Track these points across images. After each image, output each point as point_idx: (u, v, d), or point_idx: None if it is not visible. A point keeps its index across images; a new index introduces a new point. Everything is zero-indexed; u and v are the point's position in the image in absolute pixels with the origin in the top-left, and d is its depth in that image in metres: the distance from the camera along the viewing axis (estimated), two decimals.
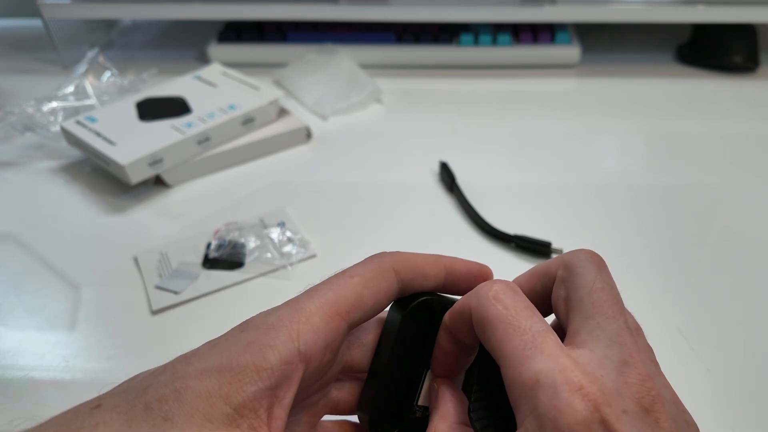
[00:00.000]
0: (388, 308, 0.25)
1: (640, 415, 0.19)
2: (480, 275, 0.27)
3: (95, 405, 0.20)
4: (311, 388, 0.24)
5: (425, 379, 0.26)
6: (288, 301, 0.23)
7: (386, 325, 0.26)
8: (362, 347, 0.26)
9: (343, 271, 0.24)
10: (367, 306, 0.23)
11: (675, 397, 0.21)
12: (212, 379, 0.20)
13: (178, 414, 0.19)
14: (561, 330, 0.23)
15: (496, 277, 0.30)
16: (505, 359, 0.20)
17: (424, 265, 0.25)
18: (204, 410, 0.19)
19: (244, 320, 0.22)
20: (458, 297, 0.26)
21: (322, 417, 0.25)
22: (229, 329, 0.22)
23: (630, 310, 0.39)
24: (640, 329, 0.23)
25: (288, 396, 0.21)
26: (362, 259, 0.25)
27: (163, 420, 0.19)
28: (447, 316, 0.24)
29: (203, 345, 0.22)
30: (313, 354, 0.21)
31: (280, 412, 0.21)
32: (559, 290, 0.23)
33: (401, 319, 0.25)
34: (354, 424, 0.26)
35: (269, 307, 0.23)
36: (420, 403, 0.26)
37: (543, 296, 0.24)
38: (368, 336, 0.26)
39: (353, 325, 0.23)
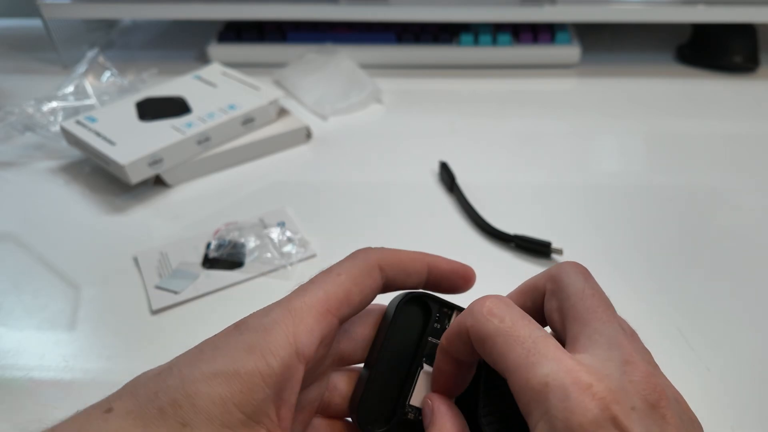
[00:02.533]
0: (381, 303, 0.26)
1: (648, 411, 0.19)
2: (463, 275, 0.27)
3: (106, 408, 0.20)
4: (306, 385, 0.24)
5: (418, 380, 0.26)
6: (280, 301, 0.23)
7: (381, 321, 0.26)
8: (351, 340, 0.26)
9: (330, 269, 0.25)
10: (354, 302, 0.24)
11: (678, 395, 0.22)
12: (222, 385, 0.20)
13: (195, 420, 0.20)
14: (559, 340, 0.23)
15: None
16: (510, 369, 0.21)
17: (408, 261, 0.26)
18: (221, 417, 0.20)
19: (239, 320, 0.23)
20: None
21: (313, 416, 0.26)
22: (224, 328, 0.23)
23: (630, 310, 0.39)
24: (636, 334, 0.23)
25: (292, 397, 0.22)
26: None
27: (182, 426, 0.19)
28: (444, 339, 0.24)
29: (203, 345, 0.22)
30: (310, 353, 0.22)
31: (287, 413, 0.21)
32: (551, 302, 0.24)
33: (394, 312, 0.26)
34: (346, 423, 0.27)
35: None
36: (412, 403, 0.26)
37: (534, 311, 0.25)
38: (357, 329, 0.26)
39: (343, 321, 0.24)
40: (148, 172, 0.48)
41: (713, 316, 0.38)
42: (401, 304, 0.26)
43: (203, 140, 0.51)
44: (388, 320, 0.26)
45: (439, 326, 0.26)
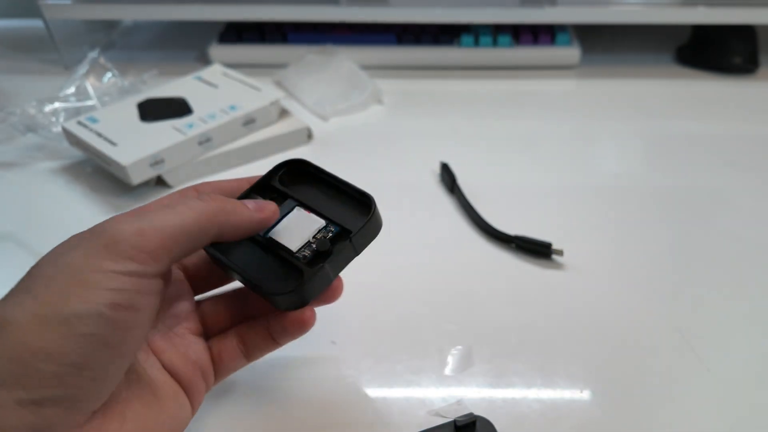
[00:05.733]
0: None
1: None
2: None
3: None
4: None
5: (281, 232, 0.30)
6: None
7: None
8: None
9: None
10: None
11: None
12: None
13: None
14: None
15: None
16: None
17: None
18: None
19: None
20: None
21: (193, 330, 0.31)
22: None
23: (630, 311, 0.39)
24: None
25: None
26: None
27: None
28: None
29: None
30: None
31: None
32: None
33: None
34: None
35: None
36: (295, 249, 0.29)
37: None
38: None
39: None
40: (150, 173, 0.48)
41: (714, 318, 0.38)
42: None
43: (204, 141, 0.51)
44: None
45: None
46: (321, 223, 0.30)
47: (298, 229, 0.30)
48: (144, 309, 0.24)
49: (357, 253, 0.30)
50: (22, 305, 0.23)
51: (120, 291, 0.23)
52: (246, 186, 0.32)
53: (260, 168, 0.54)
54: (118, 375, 0.24)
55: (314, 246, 0.29)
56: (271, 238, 0.30)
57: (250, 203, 0.29)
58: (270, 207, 0.30)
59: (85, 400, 0.23)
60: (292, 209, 0.31)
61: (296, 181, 0.32)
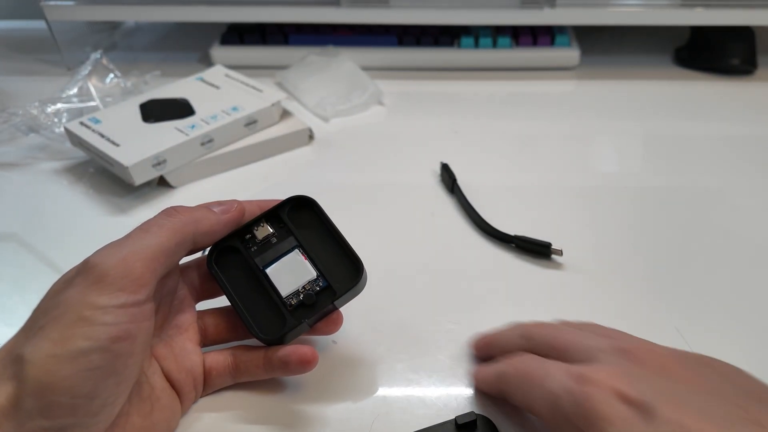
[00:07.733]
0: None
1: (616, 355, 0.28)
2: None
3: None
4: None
5: (274, 275, 0.33)
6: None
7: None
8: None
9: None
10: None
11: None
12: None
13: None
14: None
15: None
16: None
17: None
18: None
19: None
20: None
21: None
22: None
23: (629, 310, 0.40)
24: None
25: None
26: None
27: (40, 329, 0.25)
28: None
29: None
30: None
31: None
32: None
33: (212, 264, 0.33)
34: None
35: None
36: (285, 294, 0.32)
37: None
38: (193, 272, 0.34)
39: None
40: (152, 174, 0.49)
41: (712, 317, 0.39)
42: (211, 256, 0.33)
43: (206, 142, 0.51)
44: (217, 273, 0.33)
45: (249, 236, 0.34)
46: (313, 275, 0.32)
47: (292, 274, 0.33)
48: (140, 335, 0.27)
49: (336, 309, 0.33)
50: (39, 346, 0.25)
51: (117, 325, 0.25)
52: (257, 211, 0.34)
53: (261, 169, 0.55)
54: (124, 397, 0.27)
55: (301, 297, 0.32)
56: (267, 275, 0.33)
57: (215, 207, 0.32)
58: (234, 205, 0.33)
59: (96, 424, 0.25)
60: (291, 249, 0.33)
61: (302, 217, 0.34)
